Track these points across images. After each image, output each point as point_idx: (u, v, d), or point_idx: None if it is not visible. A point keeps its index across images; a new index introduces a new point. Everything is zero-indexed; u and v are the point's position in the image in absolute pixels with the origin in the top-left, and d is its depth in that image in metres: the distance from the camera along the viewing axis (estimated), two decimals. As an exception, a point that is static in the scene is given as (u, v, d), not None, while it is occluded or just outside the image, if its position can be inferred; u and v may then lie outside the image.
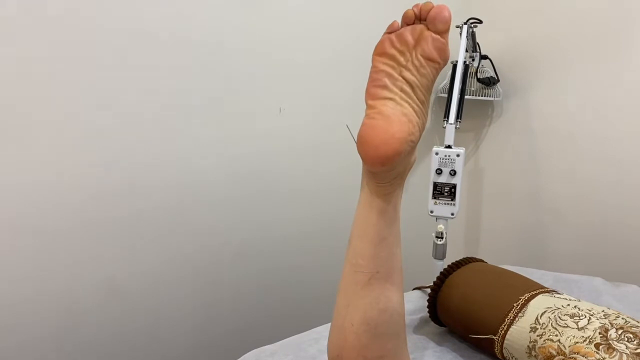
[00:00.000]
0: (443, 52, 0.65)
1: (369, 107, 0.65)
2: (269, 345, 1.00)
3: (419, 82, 0.65)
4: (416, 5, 0.66)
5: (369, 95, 0.65)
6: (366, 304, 0.67)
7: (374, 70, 0.66)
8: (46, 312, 1.12)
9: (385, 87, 0.64)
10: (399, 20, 0.67)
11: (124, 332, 1.23)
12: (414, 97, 0.65)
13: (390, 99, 0.64)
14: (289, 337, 1.03)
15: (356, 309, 0.67)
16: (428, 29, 0.65)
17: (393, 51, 0.65)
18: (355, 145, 0.65)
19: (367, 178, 0.68)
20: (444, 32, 0.65)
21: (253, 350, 0.99)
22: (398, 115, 0.63)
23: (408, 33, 0.65)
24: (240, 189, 1.37)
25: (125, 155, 1.16)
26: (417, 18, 0.66)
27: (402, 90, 0.64)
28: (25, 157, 1.04)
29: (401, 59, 0.65)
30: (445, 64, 0.66)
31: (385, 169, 0.64)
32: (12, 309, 1.07)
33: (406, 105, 0.64)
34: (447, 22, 0.64)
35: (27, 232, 1.06)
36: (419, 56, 0.65)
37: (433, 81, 0.67)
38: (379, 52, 0.66)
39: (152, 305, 1.27)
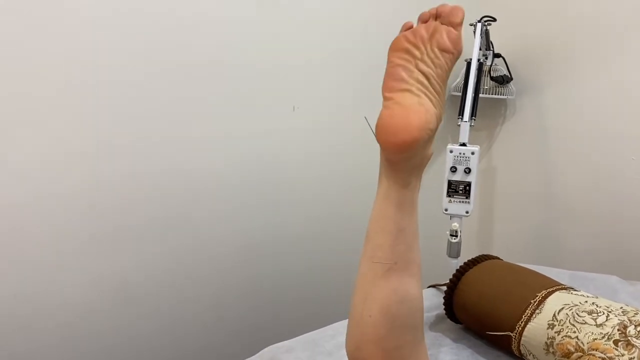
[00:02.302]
0: (457, 42, 0.67)
1: (386, 99, 0.67)
2: (284, 342, 1.00)
3: (434, 73, 0.67)
4: (432, 8, 0.70)
5: (386, 88, 0.67)
6: (384, 295, 0.67)
7: (390, 65, 0.68)
8: (60, 314, 1.13)
9: (402, 79, 0.66)
10: (413, 22, 0.70)
11: (137, 334, 1.24)
12: (430, 88, 0.67)
13: (407, 90, 0.65)
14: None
15: (374, 301, 0.67)
16: (442, 24, 0.68)
17: (408, 45, 0.67)
18: (373, 137, 0.66)
19: (385, 169, 0.69)
20: (457, 25, 0.68)
21: (269, 347, 0.99)
22: (415, 105, 0.64)
23: (422, 29, 0.68)
24: (252, 189, 1.37)
25: (134, 158, 1.16)
26: (432, 17, 0.69)
27: (418, 81, 0.66)
28: (30, 161, 1.04)
29: (416, 53, 0.67)
30: (459, 54, 0.69)
31: (404, 156, 0.65)
32: (26, 313, 1.08)
33: (423, 95, 0.66)
34: (460, 16, 0.67)
35: (39, 237, 1.07)
36: (434, 48, 0.67)
37: (448, 72, 0.69)
38: (395, 48, 0.69)
39: (164, 306, 1.27)
